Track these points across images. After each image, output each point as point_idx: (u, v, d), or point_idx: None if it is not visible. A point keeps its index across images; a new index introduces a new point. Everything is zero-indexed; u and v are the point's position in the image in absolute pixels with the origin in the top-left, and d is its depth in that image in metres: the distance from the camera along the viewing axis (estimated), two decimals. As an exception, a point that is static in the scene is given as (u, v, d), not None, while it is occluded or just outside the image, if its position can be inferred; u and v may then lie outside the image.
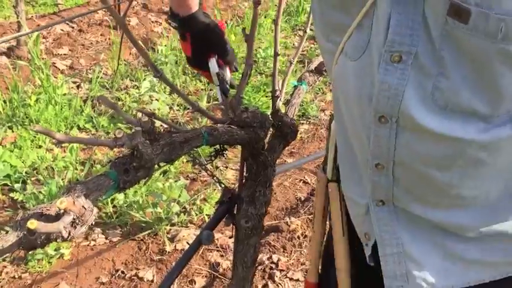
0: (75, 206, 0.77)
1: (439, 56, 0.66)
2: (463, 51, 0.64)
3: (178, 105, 3.56)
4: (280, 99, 1.33)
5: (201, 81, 3.89)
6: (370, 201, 0.90)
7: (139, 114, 1.00)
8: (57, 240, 0.78)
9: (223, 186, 1.35)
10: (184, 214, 2.54)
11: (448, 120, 0.70)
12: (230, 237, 2.34)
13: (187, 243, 2.39)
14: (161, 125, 2.42)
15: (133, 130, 0.90)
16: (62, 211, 0.76)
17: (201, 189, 2.72)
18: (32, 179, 2.71)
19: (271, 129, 1.27)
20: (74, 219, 0.77)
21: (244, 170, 1.31)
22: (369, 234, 0.95)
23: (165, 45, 4.23)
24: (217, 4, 5.16)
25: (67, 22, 4.58)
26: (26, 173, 2.73)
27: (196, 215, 2.56)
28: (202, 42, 1.30)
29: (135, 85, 3.77)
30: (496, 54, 0.62)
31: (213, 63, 1.33)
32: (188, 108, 3.56)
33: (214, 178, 1.35)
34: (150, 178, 0.95)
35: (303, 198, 2.74)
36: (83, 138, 0.85)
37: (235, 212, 1.35)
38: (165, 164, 1.04)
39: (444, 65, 0.66)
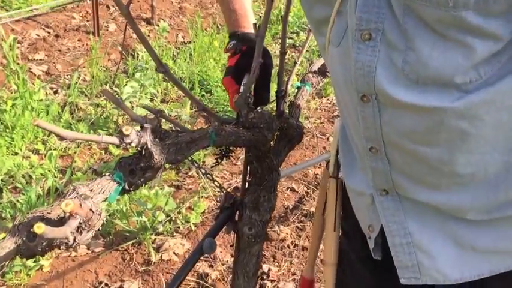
0: (82, 209, 0.69)
1: (404, 30, 0.70)
2: (424, 22, 0.68)
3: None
4: (285, 101, 1.27)
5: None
6: (373, 191, 0.91)
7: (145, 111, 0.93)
8: (61, 248, 0.70)
9: (224, 191, 1.28)
10: (170, 223, 2.45)
11: (423, 92, 0.72)
12: (231, 246, 2.25)
13: (174, 253, 2.30)
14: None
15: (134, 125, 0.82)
16: (67, 215, 0.68)
17: (187, 197, 2.63)
18: (9, 187, 2.58)
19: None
20: (80, 223, 0.69)
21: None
22: (372, 226, 0.96)
23: (145, 52, 4.13)
24: (198, 11, 5.10)
25: (42, 27, 4.45)
26: (1, 180, 2.60)
27: (183, 224, 2.47)
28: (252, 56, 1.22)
29: (115, 91, 3.66)
30: (452, 22, 0.65)
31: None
32: (171, 115, 3.47)
33: (215, 183, 1.28)
34: (158, 180, 0.87)
35: (291, 206, 2.68)
36: (86, 135, 0.77)
37: (236, 219, 1.28)
38: (169, 166, 0.97)
39: (410, 39, 0.69)
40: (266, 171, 1.22)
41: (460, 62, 0.68)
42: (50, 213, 0.73)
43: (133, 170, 0.86)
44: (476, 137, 0.74)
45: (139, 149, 0.83)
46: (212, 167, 1.38)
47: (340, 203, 1.12)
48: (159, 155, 0.84)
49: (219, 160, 1.16)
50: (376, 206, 0.92)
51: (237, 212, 1.27)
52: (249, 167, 1.26)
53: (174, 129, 1.08)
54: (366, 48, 0.74)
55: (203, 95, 3.78)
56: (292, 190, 2.80)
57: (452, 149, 0.77)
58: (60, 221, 0.70)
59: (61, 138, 0.77)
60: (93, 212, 0.70)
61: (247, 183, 1.27)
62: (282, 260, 2.31)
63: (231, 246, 2.22)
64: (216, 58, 4.29)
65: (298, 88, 1.37)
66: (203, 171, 1.28)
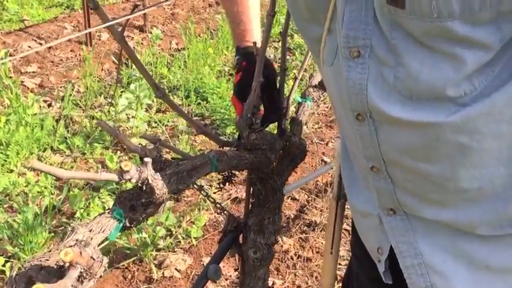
0: (82, 257, 0.65)
1: (392, 46, 0.68)
2: (412, 37, 0.66)
3: (156, 122, 3.42)
4: (286, 118, 1.23)
5: (178, 97, 3.77)
6: (380, 211, 0.89)
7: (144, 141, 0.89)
8: (61, 298, 0.66)
9: (227, 214, 1.24)
10: (171, 238, 2.41)
11: (417, 107, 0.70)
12: (235, 270, 2.20)
13: (176, 269, 2.26)
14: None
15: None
16: (66, 264, 0.64)
17: (187, 210, 2.59)
18: (5, 206, 2.54)
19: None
20: (81, 272, 0.65)
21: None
22: (382, 248, 0.94)
23: (135, 53, 4.08)
24: (191, 17, 5.06)
25: (34, 39, 4.40)
26: (-3, 199, 2.56)
27: (183, 238, 2.43)
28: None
29: (110, 102, 3.62)
30: (439, 33, 0.64)
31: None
32: (167, 125, 3.43)
33: (217, 205, 1.24)
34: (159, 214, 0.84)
35: (293, 216, 2.64)
36: (85, 173, 0.73)
37: (240, 242, 1.25)
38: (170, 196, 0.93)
39: (399, 54, 0.68)
40: (270, 193, 1.18)
41: (451, 75, 0.67)
42: (48, 260, 0.69)
43: (134, 206, 0.82)
44: (478, 151, 0.72)
45: (139, 184, 0.79)
46: (215, 192, 1.33)
47: (340, 226, 1.09)
48: (160, 190, 0.81)
49: (222, 185, 1.12)
50: (385, 227, 0.90)
51: (241, 235, 1.24)
52: (251, 188, 1.22)
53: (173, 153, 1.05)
54: (355, 65, 0.73)
55: (199, 103, 3.74)
56: (293, 199, 2.77)
57: (454, 165, 0.75)
58: (60, 269, 0.66)
59: (58, 178, 0.73)
60: (94, 260, 0.66)
61: (250, 205, 1.23)
62: (286, 273, 2.27)
63: (233, 258, 2.18)
64: (210, 64, 4.26)
65: (299, 103, 1.33)
66: (204, 193, 1.24)
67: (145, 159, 0.79)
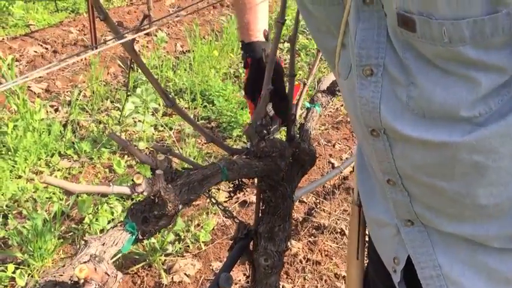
0: (97, 273, 0.65)
1: (405, 65, 0.68)
2: (424, 58, 0.66)
3: (162, 126, 3.42)
4: (295, 124, 1.23)
5: (184, 100, 3.77)
6: (398, 221, 0.88)
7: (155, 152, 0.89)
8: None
9: (237, 221, 1.23)
10: (180, 242, 2.41)
11: (432, 127, 0.70)
12: (245, 275, 2.20)
13: (185, 274, 2.25)
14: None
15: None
16: (81, 281, 0.63)
17: (195, 214, 2.59)
18: (14, 212, 2.55)
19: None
20: (95, 288, 0.65)
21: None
22: (398, 258, 0.93)
23: (145, 64, 4.09)
24: (195, 19, 5.07)
25: (40, 43, 4.42)
26: (6, 206, 2.56)
27: (192, 243, 2.43)
28: (260, 69, 1.18)
29: (116, 106, 3.62)
30: (451, 57, 0.63)
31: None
32: (173, 129, 3.43)
33: (227, 213, 1.24)
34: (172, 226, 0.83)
35: (301, 219, 2.63)
36: (97, 187, 0.73)
37: (251, 249, 1.24)
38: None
39: (411, 74, 0.68)
40: (280, 200, 1.18)
41: (465, 96, 0.65)
42: (62, 275, 0.69)
43: (147, 218, 0.82)
44: (495, 169, 0.71)
45: (151, 197, 0.79)
46: (225, 201, 1.33)
47: (364, 232, 1.08)
48: (173, 202, 0.80)
49: (232, 194, 1.12)
50: (402, 237, 0.89)
51: (251, 242, 1.24)
52: (261, 196, 1.22)
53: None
54: (368, 84, 0.72)
55: (205, 106, 3.74)
56: (301, 201, 2.76)
57: (470, 183, 0.73)
58: (75, 286, 0.66)
59: (70, 193, 0.73)
60: (108, 276, 0.66)
61: (260, 212, 1.23)
62: (295, 277, 2.27)
63: (243, 264, 2.18)
64: (216, 67, 4.26)
65: (308, 109, 1.33)
66: (214, 200, 1.23)
67: (157, 171, 0.78)
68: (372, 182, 0.96)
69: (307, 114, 1.31)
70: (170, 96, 1.01)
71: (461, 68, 0.64)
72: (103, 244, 0.76)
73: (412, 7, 0.62)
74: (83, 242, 0.75)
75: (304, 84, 1.26)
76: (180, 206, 0.83)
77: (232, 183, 1.10)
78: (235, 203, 2.71)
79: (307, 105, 1.32)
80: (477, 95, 0.65)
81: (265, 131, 1.10)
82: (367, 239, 1.12)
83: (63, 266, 0.71)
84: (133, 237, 0.81)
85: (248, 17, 1.20)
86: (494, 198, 0.74)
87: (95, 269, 0.64)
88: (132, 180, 0.76)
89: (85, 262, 0.65)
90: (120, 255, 2.23)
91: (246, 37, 1.21)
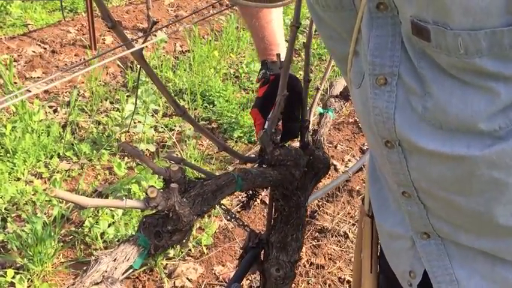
0: (112, 294, 0.61)
1: (421, 75, 0.65)
2: (439, 67, 0.63)
3: (162, 127, 3.38)
4: (308, 130, 1.19)
5: (184, 100, 3.73)
6: (413, 234, 0.85)
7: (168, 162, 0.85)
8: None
9: (249, 230, 1.20)
10: (181, 246, 2.37)
11: (449, 139, 0.67)
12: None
13: (188, 278, 2.22)
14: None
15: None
16: (96, 303, 0.60)
17: (197, 218, 2.55)
18: (13, 215, 2.50)
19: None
20: (110, 310, 0.61)
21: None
22: (414, 272, 0.89)
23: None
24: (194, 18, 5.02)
25: (38, 43, 4.37)
26: (5, 209, 2.52)
27: (194, 246, 2.39)
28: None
29: (116, 107, 3.58)
30: (468, 68, 0.60)
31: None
32: (173, 130, 3.39)
33: (238, 221, 1.20)
34: (186, 242, 0.80)
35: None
36: (109, 201, 0.69)
37: (262, 258, 1.21)
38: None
39: (427, 84, 0.64)
40: (293, 209, 1.14)
41: (483, 108, 0.62)
42: (74, 296, 0.65)
43: (160, 233, 0.78)
44: None
45: (166, 211, 0.75)
46: (239, 211, 1.30)
47: (377, 244, 1.05)
48: (187, 217, 0.77)
49: (245, 205, 1.08)
50: (418, 250, 0.86)
51: (262, 251, 1.20)
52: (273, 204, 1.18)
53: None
54: (382, 93, 0.69)
55: (206, 107, 3.70)
56: (304, 204, 2.72)
57: (489, 200, 0.70)
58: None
59: (81, 207, 0.70)
60: (124, 297, 0.62)
61: (272, 221, 1.19)
62: (299, 281, 2.23)
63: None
64: (216, 67, 4.22)
65: (321, 115, 1.29)
66: (224, 208, 1.20)
67: (172, 185, 0.75)
68: (385, 193, 0.92)
69: (320, 120, 1.27)
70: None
71: (479, 78, 0.61)
72: (114, 260, 0.73)
73: (427, 16, 0.58)
74: (93, 258, 0.71)
75: (318, 89, 1.23)
76: (194, 223, 0.79)
77: (246, 193, 1.06)
78: (237, 205, 2.68)
79: (320, 110, 1.29)
80: (496, 107, 0.62)
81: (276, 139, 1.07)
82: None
83: (73, 284, 0.67)
84: (146, 252, 0.77)
85: (265, 34, 1.17)
86: None
87: (110, 291, 0.60)
88: (146, 193, 0.72)
89: (97, 283, 0.61)
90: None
91: (269, 57, 1.18)
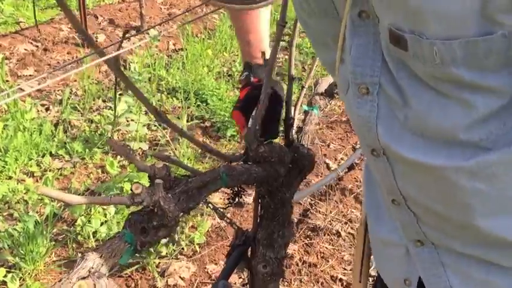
0: (95, 289, 0.62)
1: (399, 85, 0.65)
2: (417, 78, 0.63)
3: (155, 126, 3.39)
4: (293, 128, 1.20)
5: (177, 99, 3.74)
6: (407, 241, 0.84)
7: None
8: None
9: (236, 227, 1.21)
10: (174, 244, 2.38)
11: (430, 149, 0.66)
12: (244, 286, 2.17)
13: (180, 277, 2.23)
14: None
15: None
16: (79, 298, 0.61)
17: (189, 215, 2.56)
18: (4, 214, 2.50)
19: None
20: (93, 305, 0.62)
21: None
22: (409, 280, 0.88)
23: (137, 62, 4.06)
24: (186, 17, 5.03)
25: (30, 41, 4.36)
26: (-3, 208, 2.52)
27: (187, 245, 2.40)
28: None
29: (108, 106, 3.58)
30: (445, 78, 0.60)
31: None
32: (167, 128, 3.40)
33: (226, 219, 1.21)
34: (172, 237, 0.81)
35: (296, 220, 2.61)
36: (94, 198, 0.70)
37: (249, 256, 1.22)
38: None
39: (405, 95, 0.65)
40: (279, 206, 1.16)
41: (461, 119, 0.62)
42: (59, 291, 0.66)
43: (145, 229, 0.79)
44: (499, 199, 0.67)
45: (151, 207, 0.76)
46: (224, 208, 1.31)
47: (369, 253, 1.04)
48: (172, 212, 0.78)
49: (231, 201, 1.09)
50: (412, 258, 0.86)
51: (250, 249, 1.21)
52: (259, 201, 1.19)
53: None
54: (365, 102, 0.69)
55: (198, 105, 3.71)
56: (296, 203, 2.74)
57: (472, 211, 0.69)
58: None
59: (68, 204, 0.71)
60: (106, 292, 0.64)
61: (258, 218, 1.21)
62: (292, 280, 2.25)
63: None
64: (209, 66, 4.22)
65: (306, 112, 1.30)
66: (211, 205, 1.21)
67: (157, 181, 0.76)
68: (379, 200, 0.92)
69: (305, 117, 1.28)
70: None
71: (456, 89, 0.61)
72: (101, 256, 0.74)
73: (404, 24, 0.58)
74: (79, 255, 0.72)
75: (303, 87, 1.24)
76: (179, 219, 0.81)
77: (231, 189, 1.07)
78: (228, 204, 2.69)
79: (305, 108, 1.30)
80: (474, 119, 0.62)
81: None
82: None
83: (60, 281, 0.68)
84: (132, 248, 0.78)
85: (251, 38, 1.17)
86: (501, 230, 0.70)
87: (94, 286, 0.62)
88: (131, 189, 0.73)
89: (84, 278, 0.62)
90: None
91: (253, 59, 1.19)
